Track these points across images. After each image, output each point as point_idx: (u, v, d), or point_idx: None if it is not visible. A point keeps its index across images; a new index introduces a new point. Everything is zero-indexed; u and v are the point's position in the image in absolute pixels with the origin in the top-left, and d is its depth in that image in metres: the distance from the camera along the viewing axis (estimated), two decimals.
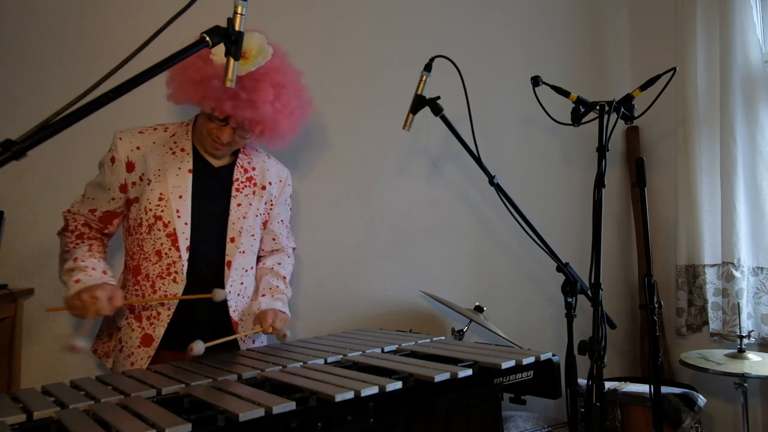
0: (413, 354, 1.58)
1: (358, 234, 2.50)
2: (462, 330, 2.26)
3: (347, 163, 2.49)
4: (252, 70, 1.50)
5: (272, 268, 1.85)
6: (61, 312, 1.95)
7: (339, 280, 2.45)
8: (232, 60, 1.14)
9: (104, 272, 1.56)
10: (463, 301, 2.52)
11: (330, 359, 1.49)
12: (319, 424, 1.13)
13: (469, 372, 1.34)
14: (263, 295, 1.76)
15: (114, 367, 1.68)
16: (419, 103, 1.85)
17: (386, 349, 1.63)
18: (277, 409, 1.06)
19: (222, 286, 1.66)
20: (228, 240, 1.69)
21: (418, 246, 2.64)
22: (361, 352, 1.55)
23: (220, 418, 1.04)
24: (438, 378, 1.27)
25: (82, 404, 1.13)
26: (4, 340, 1.80)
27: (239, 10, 1.13)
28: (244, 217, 1.71)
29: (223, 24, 1.13)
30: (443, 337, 1.83)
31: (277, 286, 1.81)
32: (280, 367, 1.40)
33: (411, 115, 1.87)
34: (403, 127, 1.89)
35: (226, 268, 1.68)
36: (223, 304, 1.67)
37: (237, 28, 1.12)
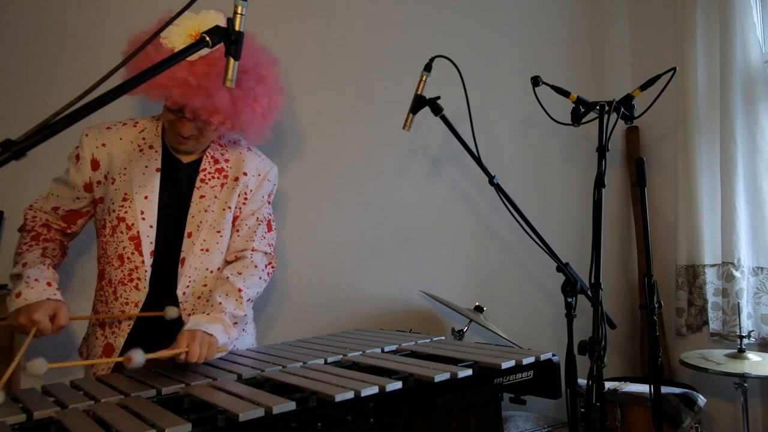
0: (413, 354, 1.58)
1: (358, 234, 2.50)
2: (462, 330, 2.26)
3: (347, 163, 2.49)
4: (204, 54, 1.34)
5: (228, 278, 1.54)
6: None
7: (339, 280, 2.45)
8: (232, 60, 1.14)
9: (48, 284, 1.38)
10: (463, 301, 2.52)
11: (330, 359, 1.49)
12: (319, 424, 1.13)
13: (469, 372, 1.33)
14: (202, 313, 1.48)
15: (85, 372, 1.61)
16: (419, 103, 1.85)
17: (386, 349, 1.62)
18: (277, 409, 1.05)
19: (176, 286, 1.53)
20: (185, 235, 1.53)
21: (418, 246, 2.64)
22: (361, 352, 1.55)
23: (220, 418, 1.04)
24: (438, 378, 1.27)
25: (82, 404, 1.13)
26: (4, 340, 1.80)
27: (239, 10, 1.13)
28: (206, 210, 1.55)
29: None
30: (443, 337, 1.83)
31: (220, 303, 1.47)
32: (280, 367, 1.40)
33: (411, 115, 1.87)
34: (403, 127, 1.89)
35: (179, 265, 1.52)
36: (172, 305, 1.53)
37: (237, 28, 1.12)
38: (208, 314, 1.45)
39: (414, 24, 2.67)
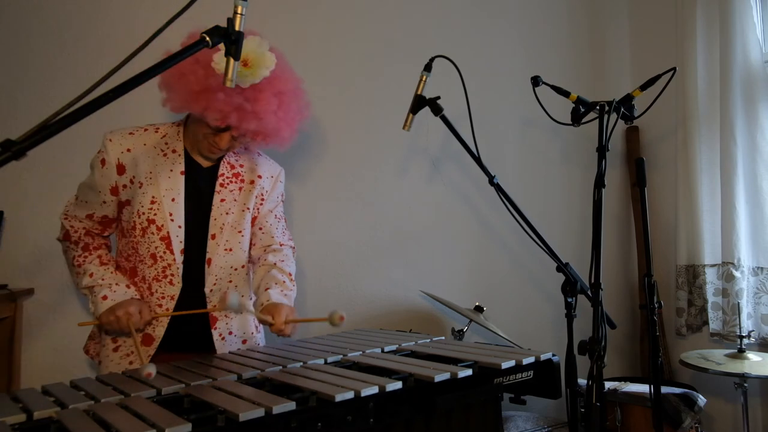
0: (413, 354, 1.58)
1: (358, 234, 2.50)
2: (462, 330, 2.26)
3: (347, 164, 2.49)
4: (256, 82, 1.47)
5: (275, 264, 1.74)
6: (60, 313, 1.96)
7: (339, 280, 2.45)
8: (232, 60, 1.14)
9: (128, 286, 1.59)
10: (463, 301, 2.52)
11: (330, 359, 1.49)
12: (319, 424, 1.13)
13: (469, 372, 1.33)
14: (268, 288, 1.64)
15: (101, 365, 1.67)
16: (419, 103, 1.85)
17: (386, 349, 1.62)
18: (277, 409, 1.05)
19: (203, 285, 1.65)
20: (209, 237, 1.65)
21: (418, 246, 2.64)
22: (361, 352, 1.55)
23: (220, 418, 1.04)
24: (438, 378, 1.27)
25: (82, 404, 1.13)
26: (4, 340, 1.80)
27: (239, 10, 1.13)
28: (227, 213, 1.67)
29: (220, 24, 1.13)
30: (443, 337, 1.82)
31: (284, 282, 1.69)
32: (280, 367, 1.40)
33: (411, 115, 1.87)
34: (403, 127, 1.89)
35: (206, 266, 1.65)
36: (201, 300, 1.65)
37: (237, 28, 1.12)
38: (281, 291, 1.64)
39: (414, 24, 2.67)
